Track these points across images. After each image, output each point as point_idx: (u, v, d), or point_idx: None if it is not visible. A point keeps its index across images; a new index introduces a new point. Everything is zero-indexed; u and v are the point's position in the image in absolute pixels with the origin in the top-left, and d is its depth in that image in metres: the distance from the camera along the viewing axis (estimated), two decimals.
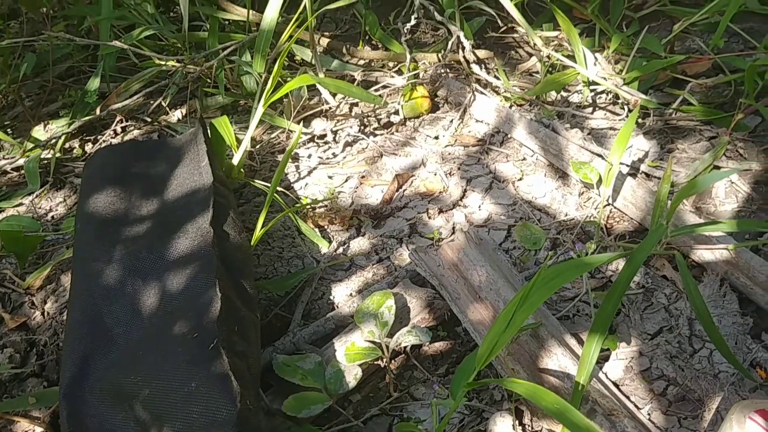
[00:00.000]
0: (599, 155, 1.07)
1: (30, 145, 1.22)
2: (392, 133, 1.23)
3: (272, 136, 1.24)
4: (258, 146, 1.21)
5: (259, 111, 1.05)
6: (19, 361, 0.87)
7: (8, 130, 1.23)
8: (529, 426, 0.76)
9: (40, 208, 1.13)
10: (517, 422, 0.76)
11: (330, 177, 1.15)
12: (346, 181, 1.13)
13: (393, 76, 1.30)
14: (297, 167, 1.17)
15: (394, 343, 0.81)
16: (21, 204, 1.14)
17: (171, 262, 0.85)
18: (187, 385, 0.70)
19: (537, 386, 0.61)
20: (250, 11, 1.30)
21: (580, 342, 0.84)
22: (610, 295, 0.71)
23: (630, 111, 1.18)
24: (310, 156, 1.19)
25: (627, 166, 1.08)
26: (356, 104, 1.28)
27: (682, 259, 0.83)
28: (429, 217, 1.05)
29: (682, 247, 0.92)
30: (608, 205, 1.02)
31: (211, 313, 0.75)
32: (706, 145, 1.11)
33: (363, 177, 1.14)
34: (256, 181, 1.08)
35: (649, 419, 0.76)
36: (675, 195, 0.84)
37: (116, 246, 0.87)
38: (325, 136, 1.22)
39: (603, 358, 0.83)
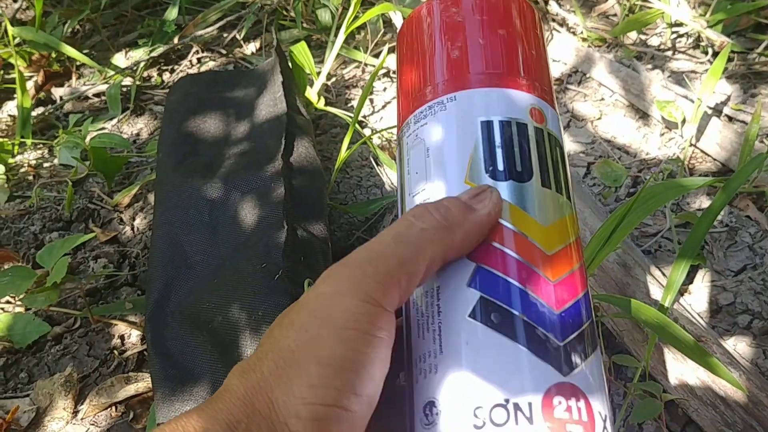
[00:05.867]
0: (683, 96, 1.05)
1: (110, 72, 1.25)
2: None
3: (346, 71, 1.25)
4: (332, 80, 1.22)
5: (340, 39, 1.05)
6: (112, 271, 0.90)
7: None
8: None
9: (122, 132, 1.16)
10: (602, 345, 0.77)
11: None
12: None
13: None
14: (371, 101, 1.18)
15: None
16: (103, 128, 1.17)
17: (243, 193, 0.86)
18: (254, 314, 0.72)
19: (638, 302, 0.62)
20: None
21: (664, 275, 0.84)
22: (703, 219, 0.71)
23: (715, 55, 1.15)
24: (385, 89, 1.19)
25: (710, 108, 1.06)
26: None
27: None
28: None
29: None
30: (692, 145, 1.01)
31: (278, 245, 0.76)
32: None
33: None
34: (337, 109, 1.09)
35: (735, 350, 0.76)
36: None
37: (194, 176, 0.90)
38: None
39: (685, 291, 0.83)
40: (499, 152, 0.30)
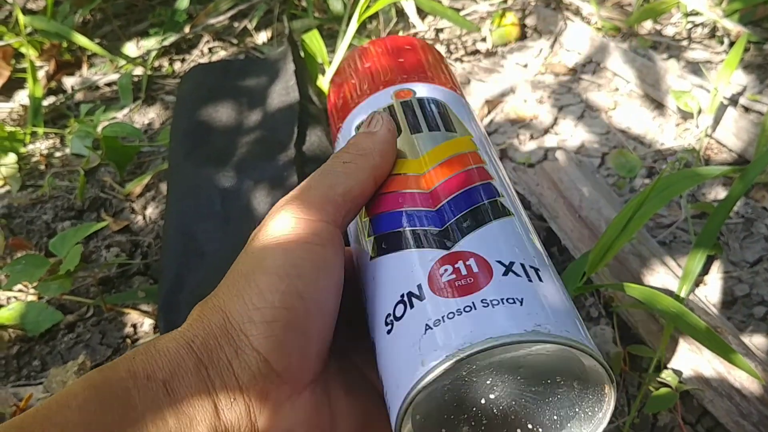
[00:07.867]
0: (699, 86, 1.04)
1: (122, 62, 1.25)
2: (480, 60, 1.22)
3: None
4: None
5: (352, 27, 1.05)
6: (125, 259, 0.90)
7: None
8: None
9: (134, 122, 1.16)
10: (617, 336, 0.76)
11: None
12: None
13: (479, 2, 1.28)
14: None
15: None
16: (115, 118, 1.17)
17: (256, 182, 0.86)
18: None
19: (653, 290, 0.61)
20: None
21: (679, 266, 0.83)
22: (720, 209, 0.70)
23: (731, 44, 1.14)
24: None
25: (726, 98, 1.05)
26: (442, 30, 1.27)
27: None
28: (519, 143, 1.04)
29: None
30: (708, 136, 1.00)
31: None
32: None
33: None
34: None
35: (750, 341, 0.76)
36: None
37: (206, 165, 0.89)
38: None
39: (700, 282, 0.82)
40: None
